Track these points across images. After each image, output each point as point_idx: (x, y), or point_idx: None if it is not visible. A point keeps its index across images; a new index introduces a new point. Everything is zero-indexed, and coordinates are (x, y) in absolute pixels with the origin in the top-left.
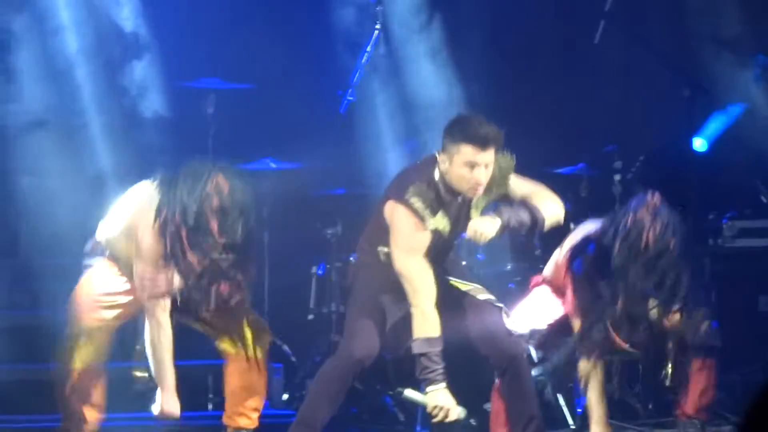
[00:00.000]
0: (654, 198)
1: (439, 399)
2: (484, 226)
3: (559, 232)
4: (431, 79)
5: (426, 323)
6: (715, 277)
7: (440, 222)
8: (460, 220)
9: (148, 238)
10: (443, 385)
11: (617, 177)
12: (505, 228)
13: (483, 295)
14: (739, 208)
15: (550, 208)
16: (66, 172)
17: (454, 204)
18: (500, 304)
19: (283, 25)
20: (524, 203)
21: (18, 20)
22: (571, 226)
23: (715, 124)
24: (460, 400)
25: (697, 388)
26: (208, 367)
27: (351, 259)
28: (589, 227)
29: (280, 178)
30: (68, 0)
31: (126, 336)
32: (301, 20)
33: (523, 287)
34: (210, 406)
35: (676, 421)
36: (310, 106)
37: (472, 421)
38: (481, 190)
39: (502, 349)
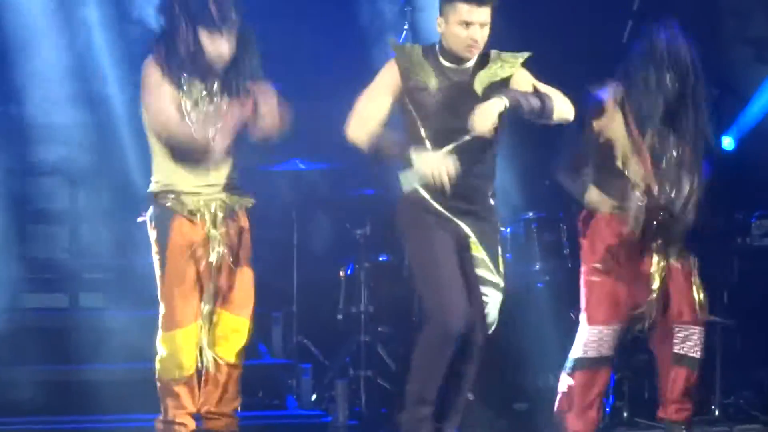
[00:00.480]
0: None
1: (426, 162)
2: (487, 106)
3: None
4: None
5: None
6: (743, 276)
7: (427, 75)
8: (463, 88)
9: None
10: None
11: None
12: (511, 107)
13: (484, 272)
14: None
15: (561, 102)
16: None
17: (451, 71)
18: (485, 298)
19: (312, 23)
20: (534, 90)
21: None
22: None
23: (743, 123)
24: (490, 401)
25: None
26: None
27: (380, 259)
28: None
29: (309, 179)
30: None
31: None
32: (330, 18)
33: (551, 287)
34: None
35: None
36: (339, 106)
37: (470, 396)
38: (475, 51)
39: (473, 332)
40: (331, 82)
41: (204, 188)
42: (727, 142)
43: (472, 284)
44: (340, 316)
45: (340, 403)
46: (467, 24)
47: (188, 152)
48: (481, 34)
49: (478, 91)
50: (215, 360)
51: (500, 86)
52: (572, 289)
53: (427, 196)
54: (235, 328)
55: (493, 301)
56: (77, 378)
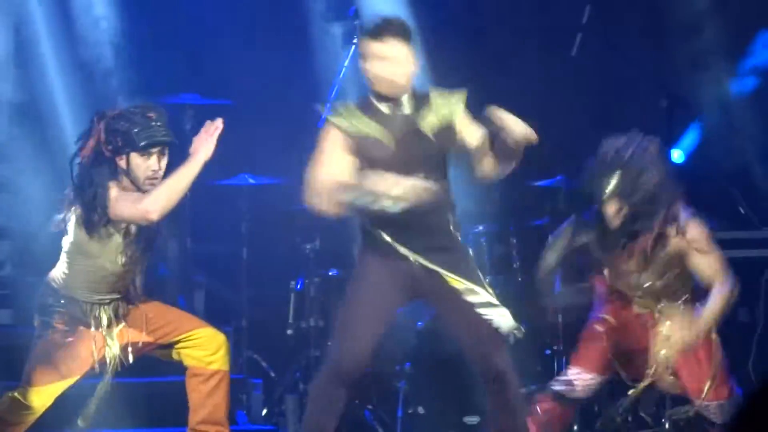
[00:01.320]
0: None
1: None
2: (506, 114)
3: (541, 246)
4: None
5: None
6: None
7: (371, 128)
8: (409, 135)
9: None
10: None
11: None
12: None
13: (474, 297)
14: (718, 219)
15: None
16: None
17: (393, 117)
18: (488, 317)
19: (260, 39)
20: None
21: None
22: (549, 238)
23: (692, 136)
24: (441, 414)
25: None
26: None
27: (330, 273)
28: None
29: (258, 194)
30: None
31: None
32: (278, 34)
33: (501, 300)
34: None
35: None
36: (288, 120)
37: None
38: (399, 86)
39: (489, 361)
40: (281, 97)
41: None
42: (677, 155)
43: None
44: (290, 331)
45: (290, 418)
46: (375, 59)
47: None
48: (395, 71)
49: (429, 134)
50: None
51: (448, 128)
52: (522, 303)
53: (388, 239)
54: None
55: (496, 317)
56: None
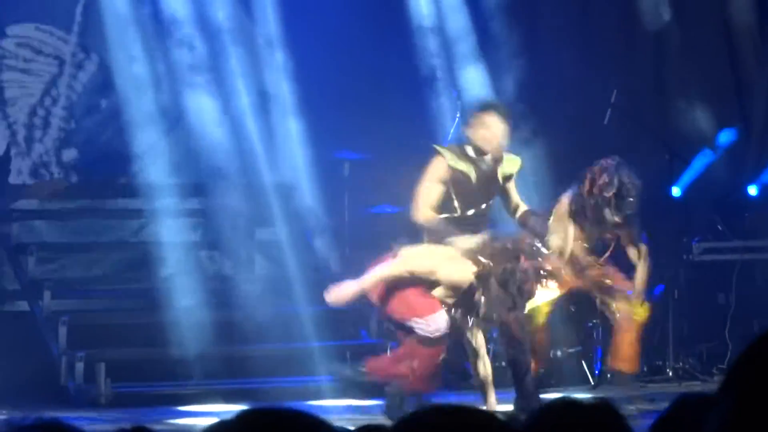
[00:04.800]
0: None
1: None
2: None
3: None
4: None
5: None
6: (688, 281)
7: (463, 166)
8: (488, 174)
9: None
10: None
11: None
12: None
13: None
14: (704, 234)
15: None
16: None
17: (481, 161)
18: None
19: (394, 105)
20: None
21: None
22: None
23: (686, 177)
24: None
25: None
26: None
27: None
28: None
29: (396, 217)
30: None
31: None
32: (405, 104)
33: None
34: None
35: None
36: (417, 167)
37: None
38: (496, 142)
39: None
40: (411, 151)
41: None
42: (676, 191)
43: None
44: None
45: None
46: (489, 130)
47: None
48: (500, 137)
49: (500, 180)
50: None
51: (508, 179)
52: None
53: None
54: None
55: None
56: None
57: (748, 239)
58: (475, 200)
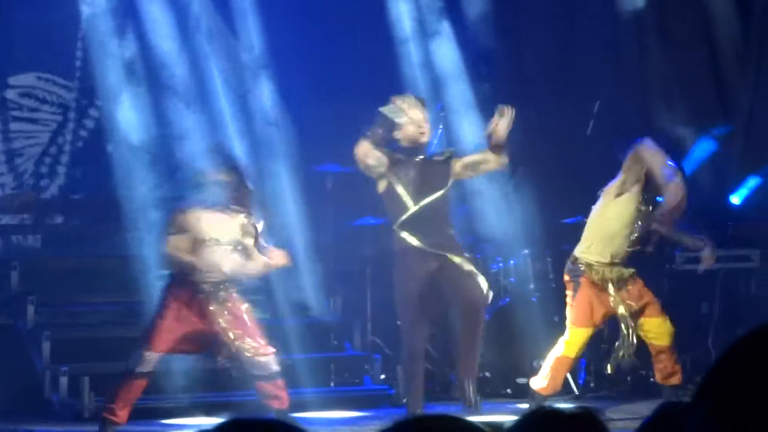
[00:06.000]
0: None
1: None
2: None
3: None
4: None
5: None
6: (671, 291)
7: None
8: (428, 161)
9: None
10: None
11: None
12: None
13: (468, 266)
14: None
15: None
16: None
17: (414, 156)
18: (477, 279)
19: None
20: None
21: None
22: None
23: (687, 168)
24: (500, 377)
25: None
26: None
27: None
28: None
29: (378, 231)
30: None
31: None
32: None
33: (541, 300)
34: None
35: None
36: None
37: (487, 374)
38: (423, 126)
39: (469, 300)
40: None
41: None
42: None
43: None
44: (399, 322)
45: (400, 382)
46: (411, 115)
47: None
48: (424, 118)
49: (443, 162)
50: None
51: (448, 161)
52: (555, 302)
53: (415, 242)
54: None
55: (482, 279)
56: None
57: (731, 248)
58: (425, 187)
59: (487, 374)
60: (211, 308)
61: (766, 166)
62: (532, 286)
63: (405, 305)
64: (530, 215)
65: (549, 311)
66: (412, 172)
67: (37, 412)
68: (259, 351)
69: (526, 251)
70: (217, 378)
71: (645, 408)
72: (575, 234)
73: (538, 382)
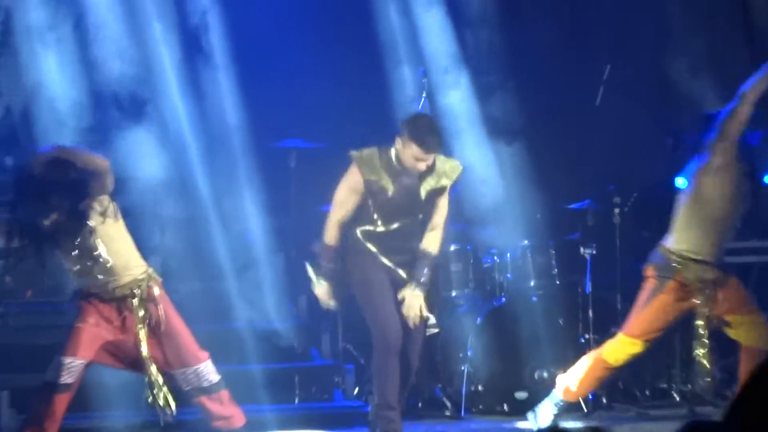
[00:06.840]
0: None
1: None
2: (413, 300)
3: (574, 256)
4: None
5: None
6: None
7: (387, 184)
8: (409, 189)
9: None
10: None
11: (616, 210)
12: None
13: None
14: None
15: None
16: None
17: (404, 174)
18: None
19: (347, 90)
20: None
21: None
22: (581, 249)
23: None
24: (493, 386)
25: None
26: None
27: None
28: None
29: None
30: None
31: None
32: (361, 86)
33: (543, 299)
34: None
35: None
36: None
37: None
38: (422, 168)
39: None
40: (365, 139)
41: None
42: (681, 182)
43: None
44: None
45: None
46: (417, 159)
47: None
48: (428, 163)
49: (422, 196)
50: None
51: (438, 192)
52: (560, 301)
53: (374, 250)
54: None
55: (425, 307)
56: None
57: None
58: (397, 214)
59: (480, 388)
60: (125, 315)
61: None
62: (532, 284)
63: (369, 289)
64: (530, 199)
65: (552, 313)
66: (390, 194)
67: None
68: (187, 360)
69: (526, 242)
70: None
71: (661, 428)
72: (582, 222)
73: (566, 381)
